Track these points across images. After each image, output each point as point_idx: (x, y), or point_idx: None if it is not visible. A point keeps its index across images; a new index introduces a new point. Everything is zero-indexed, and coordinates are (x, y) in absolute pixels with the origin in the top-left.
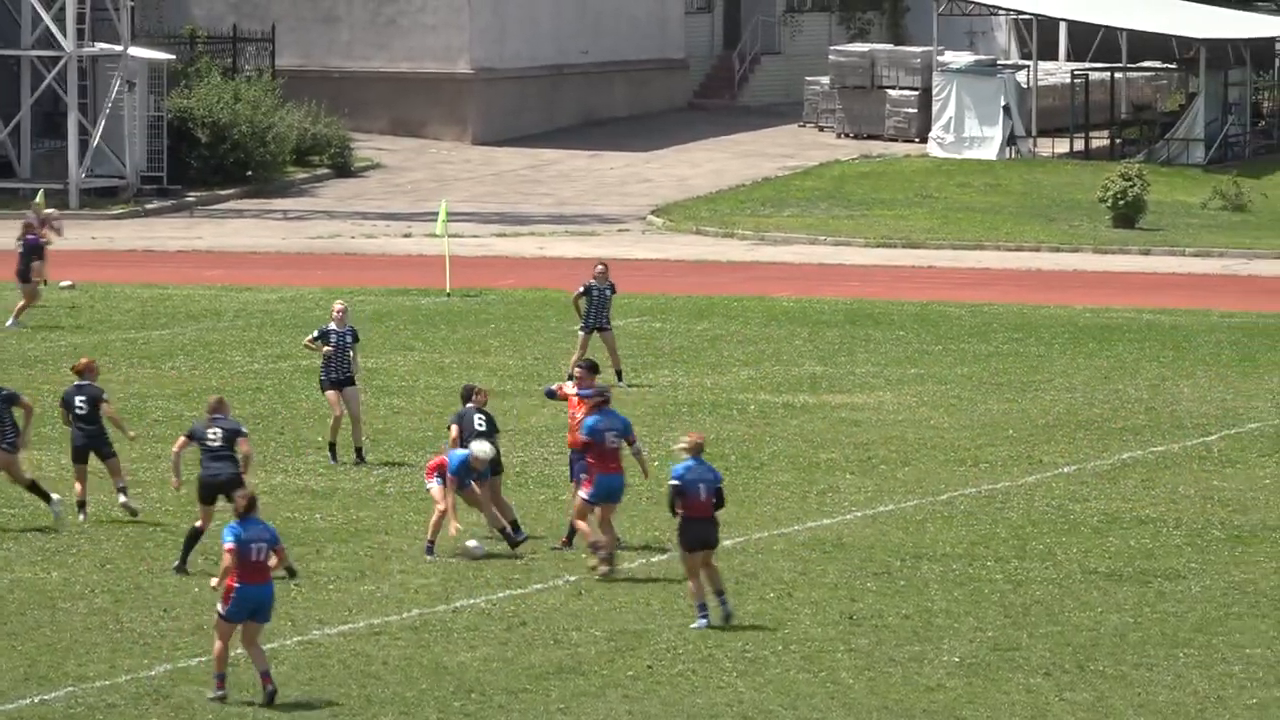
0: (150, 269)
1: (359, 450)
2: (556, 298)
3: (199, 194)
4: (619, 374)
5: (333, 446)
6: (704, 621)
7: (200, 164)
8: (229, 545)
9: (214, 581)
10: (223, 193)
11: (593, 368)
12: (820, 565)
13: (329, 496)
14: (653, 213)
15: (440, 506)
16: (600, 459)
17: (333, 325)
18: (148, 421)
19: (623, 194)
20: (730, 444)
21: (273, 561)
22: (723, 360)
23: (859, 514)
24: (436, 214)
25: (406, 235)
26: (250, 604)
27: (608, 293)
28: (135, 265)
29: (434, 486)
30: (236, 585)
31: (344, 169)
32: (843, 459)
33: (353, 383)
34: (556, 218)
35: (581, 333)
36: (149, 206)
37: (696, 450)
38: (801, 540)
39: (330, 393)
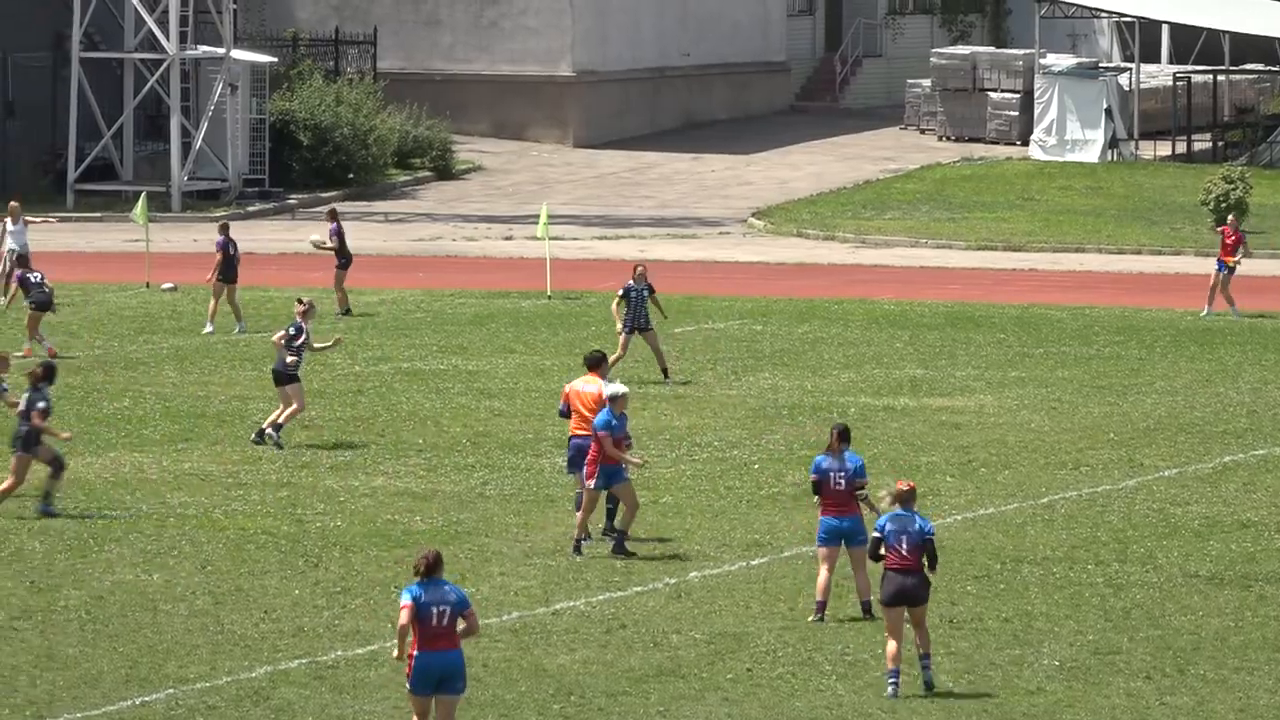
0: (252, 271)
1: (276, 428)
2: (660, 300)
3: (300, 196)
4: (665, 372)
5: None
6: (893, 689)
7: (302, 166)
8: (405, 604)
9: (395, 652)
10: (324, 195)
11: (597, 361)
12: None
13: (429, 499)
14: (754, 215)
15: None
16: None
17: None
18: (250, 423)
19: (724, 196)
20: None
21: (461, 627)
22: (823, 363)
23: (959, 517)
24: (538, 216)
25: (508, 238)
26: (435, 673)
27: (645, 294)
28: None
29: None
30: (416, 653)
31: (445, 171)
32: (943, 462)
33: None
34: (657, 220)
35: (623, 334)
36: (251, 209)
37: (903, 500)
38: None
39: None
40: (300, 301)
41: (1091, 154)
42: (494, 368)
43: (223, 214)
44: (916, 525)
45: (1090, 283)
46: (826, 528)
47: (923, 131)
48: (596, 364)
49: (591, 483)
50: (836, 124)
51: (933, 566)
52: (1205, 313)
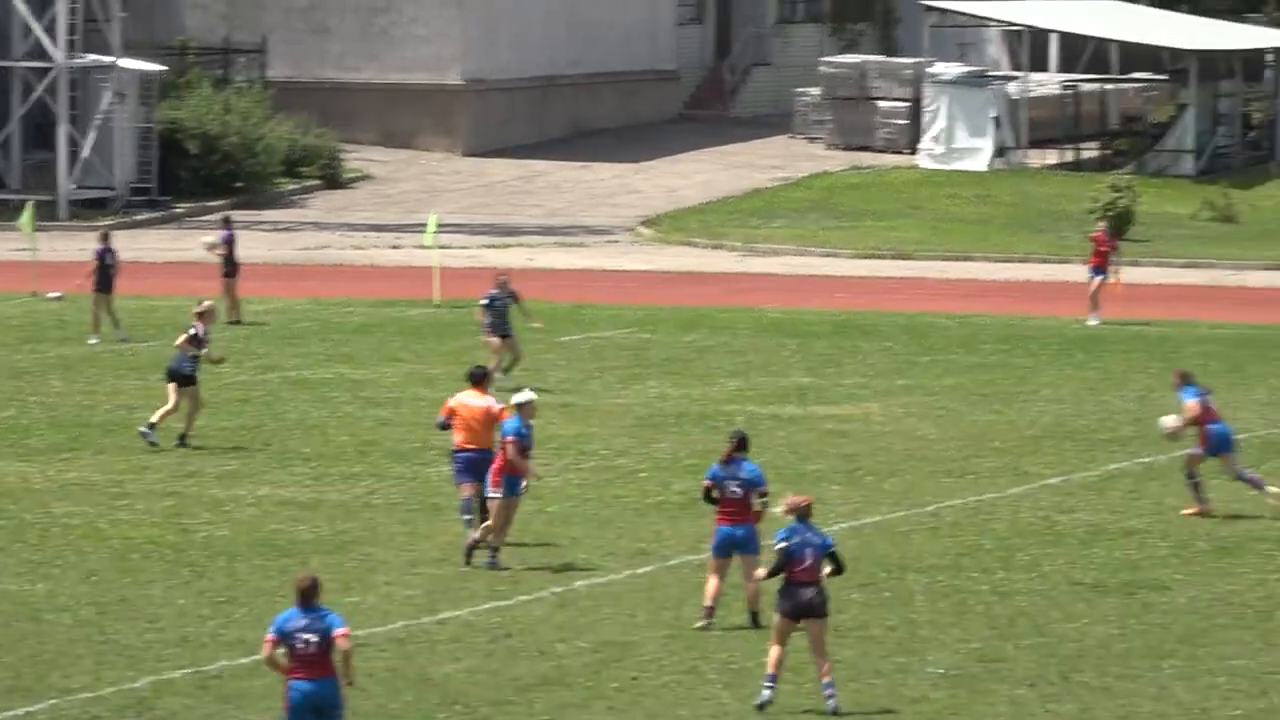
0: (139, 280)
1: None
2: (545, 309)
3: (188, 205)
4: (507, 370)
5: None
6: (768, 694)
7: (190, 175)
8: (269, 637)
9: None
10: (212, 204)
11: (480, 377)
12: None
13: (315, 508)
14: (642, 224)
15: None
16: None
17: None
18: (134, 434)
19: (612, 205)
20: (717, 455)
21: (336, 654)
22: (710, 371)
23: (845, 525)
24: (426, 225)
25: (395, 246)
26: (310, 702)
27: (509, 302)
28: (123, 276)
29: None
30: (290, 682)
31: (334, 180)
32: (829, 470)
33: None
34: (546, 229)
35: (486, 339)
36: (138, 218)
37: (802, 513)
38: None
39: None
40: (199, 304)
41: (979, 162)
42: (381, 376)
43: (109, 223)
44: (819, 538)
45: (977, 291)
46: (721, 536)
47: (811, 140)
48: (480, 380)
49: (498, 492)
50: (726, 132)
51: (840, 571)
52: (1092, 321)
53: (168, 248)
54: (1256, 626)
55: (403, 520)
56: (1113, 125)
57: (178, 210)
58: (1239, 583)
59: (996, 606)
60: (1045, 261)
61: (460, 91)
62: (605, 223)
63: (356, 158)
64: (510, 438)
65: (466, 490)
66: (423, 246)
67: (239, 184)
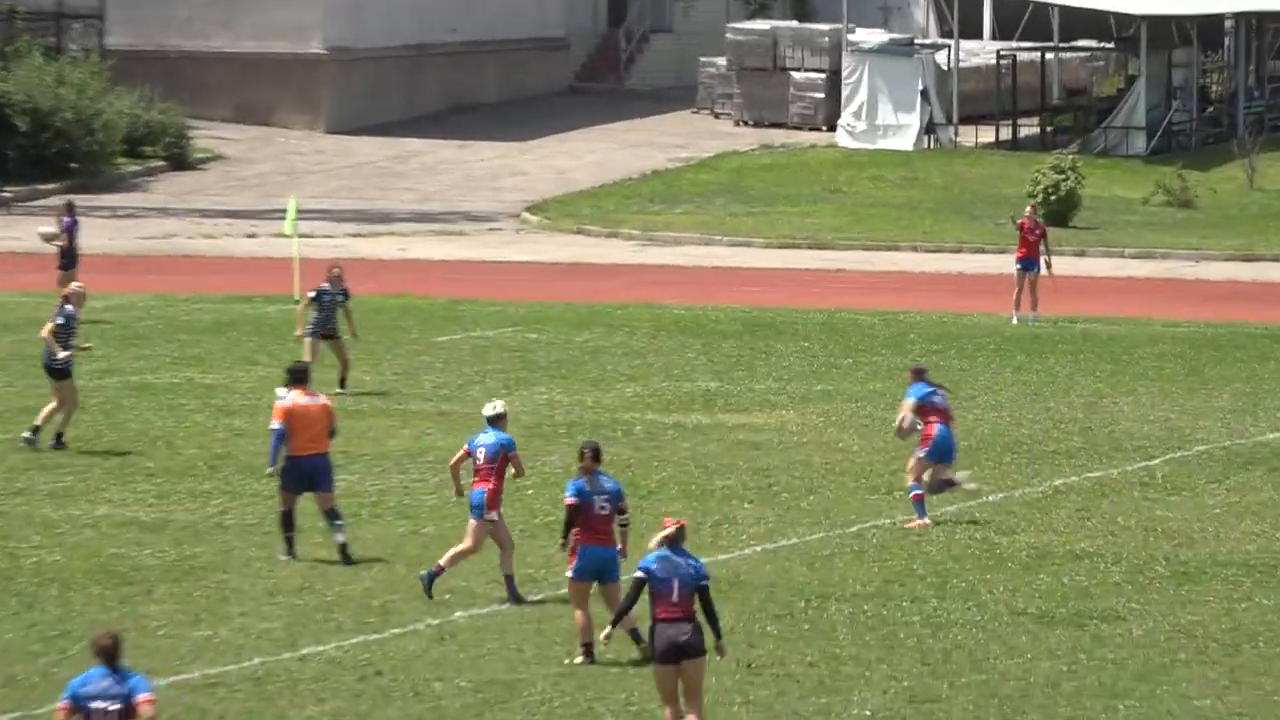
0: None
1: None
2: (420, 305)
3: (16, 189)
4: (342, 382)
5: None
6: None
7: (18, 155)
8: (61, 704)
9: None
10: (44, 187)
11: (302, 373)
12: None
13: (160, 530)
14: (528, 209)
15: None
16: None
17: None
18: None
19: (494, 188)
20: (614, 469)
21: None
22: (605, 375)
23: (758, 548)
24: (285, 211)
25: (250, 235)
26: None
27: (340, 299)
28: None
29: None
30: None
31: (181, 161)
32: (740, 486)
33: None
34: (420, 215)
35: (308, 339)
36: None
37: (672, 540)
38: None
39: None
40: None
41: (906, 141)
42: (235, 381)
43: None
44: (689, 567)
45: (905, 284)
46: (590, 558)
47: (717, 116)
48: (303, 376)
49: (494, 514)
50: (621, 107)
51: (712, 623)
52: (1015, 319)
53: None
54: (1222, 662)
55: (259, 543)
56: (1054, 99)
57: (4, 194)
58: (1201, 612)
59: (929, 640)
60: (980, 251)
61: (323, 61)
62: (486, 208)
63: (206, 136)
64: (513, 453)
65: (291, 503)
66: (281, 235)
67: (74, 165)
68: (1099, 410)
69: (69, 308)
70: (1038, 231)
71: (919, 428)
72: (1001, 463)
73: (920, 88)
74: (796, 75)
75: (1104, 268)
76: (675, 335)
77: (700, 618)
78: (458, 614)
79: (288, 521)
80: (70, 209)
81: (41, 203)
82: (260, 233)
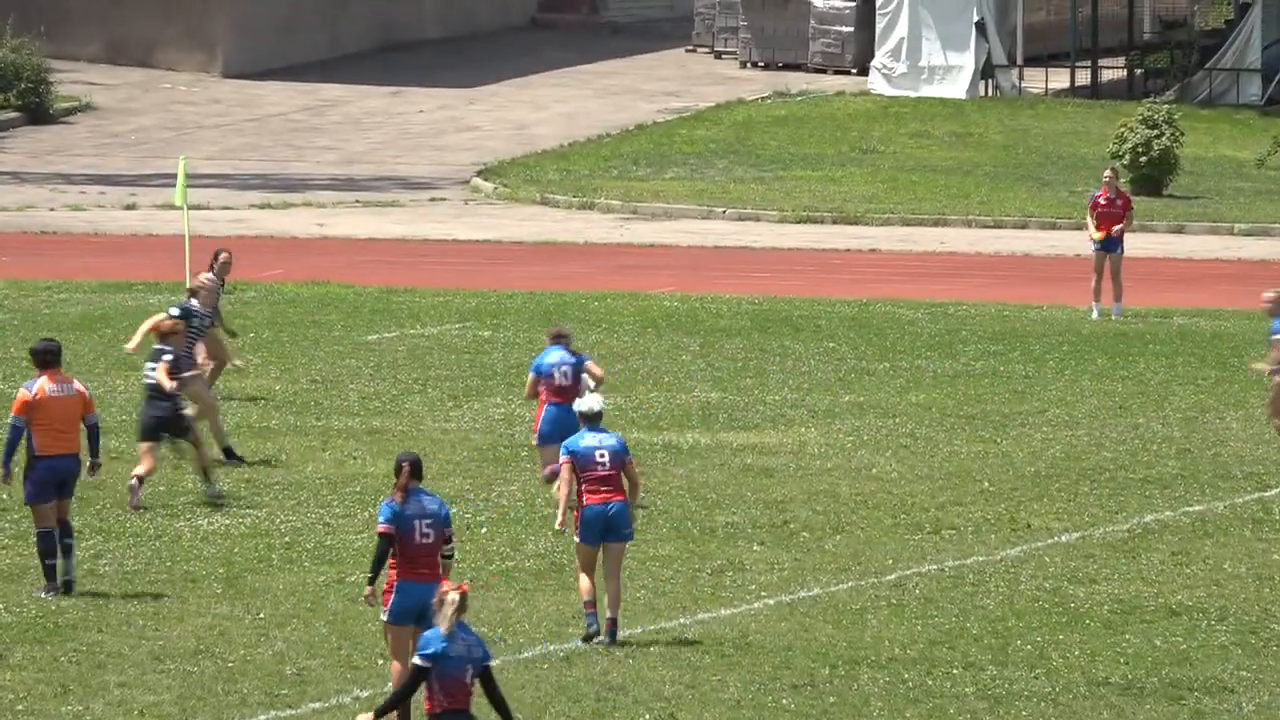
0: None
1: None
2: (344, 296)
3: None
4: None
5: None
6: None
7: None
8: None
9: None
10: None
11: (53, 354)
12: (716, 674)
13: (17, 579)
14: (479, 174)
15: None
16: None
17: None
18: None
19: (436, 148)
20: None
21: None
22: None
23: (771, 601)
24: (173, 177)
25: (129, 207)
26: None
27: (218, 291)
28: None
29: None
30: None
31: (39, 112)
32: (749, 523)
33: None
34: (343, 182)
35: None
36: None
37: (455, 608)
38: (690, 638)
39: None
40: None
41: (957, 87)
42: (110, 392)
43: None
44: (477, 647)
45: (956, 269)
46: (410, 596)
47: (719, 55)
48: (51, 358)
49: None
50: (596, 45)
51: (496, 698)
52: (1096, 312)
53: None
54: None
55: (144, 594)
56: (1145, 34)
57: None
58: None
59: (986, 716)
60: (1051, 227)
61: None
62: (426, 173)
63: (72, 80)
64: (565, 456)
65: (49, 518)
66: (170, 207)
67: None
68: (1200, 428)
69: None
70: (1120, 203)
71: None
72: (1077, 494)
73: (976, 19)
74: (818, 4)
75: (1208, 247)
76: (666, 333)
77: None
78: (390, 685)
79: (48, 545)
80: None
81: None
82: (141, 203)
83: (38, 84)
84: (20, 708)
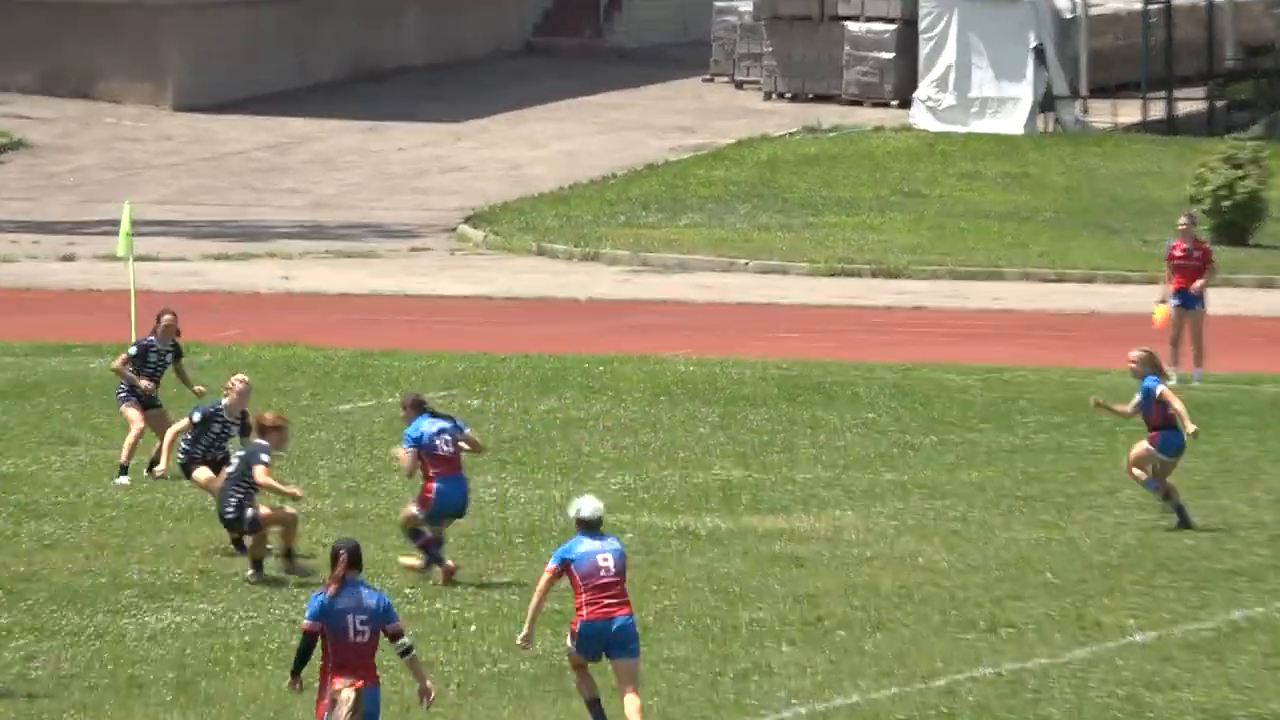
0: None
1: None
2: (312, 359)
3: None
4: (154, 463)
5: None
6: None
7: None
8: None
9: None
10: None
11: None
12: None
13: None
14: (467, 220)
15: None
16: None
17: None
18: None
19: (419, 190)
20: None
21: None
22: (581, 459)
23: (803, 710)
24: (118, 224)
25: (67, 258)
26: None
27: (168, 356)
28: None
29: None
30: None
31: None
32: (777, 619)
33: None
34: (311, 229)
35: (127, 407)
36: None
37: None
38: None
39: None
40: None
41: (1013, 121)
42: (44, 469)
43: None
44: None
45: (1013, 328)
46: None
47: (740, 85)
48: None
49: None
50: (601, 73)
51: None
52: (1174, 378)
53: None
54: None
55: (82, 703)
56: (1227, 61)
57: None
58: None
59: None
60: (1122, 281)
61: (169, 8)
62: (407, 219)
63: (4, 114)
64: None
65: None
66: (113, 258)
67: None
68: None
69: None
70: (1200, 254)
71: None
72: (1153, 586)
73: (1034, 44)
74: (854, 27)
75: None
76: (682, 402)
77: None
78: None
79: None
80: None
81: None
82: (80, 254)
83: None
84: None
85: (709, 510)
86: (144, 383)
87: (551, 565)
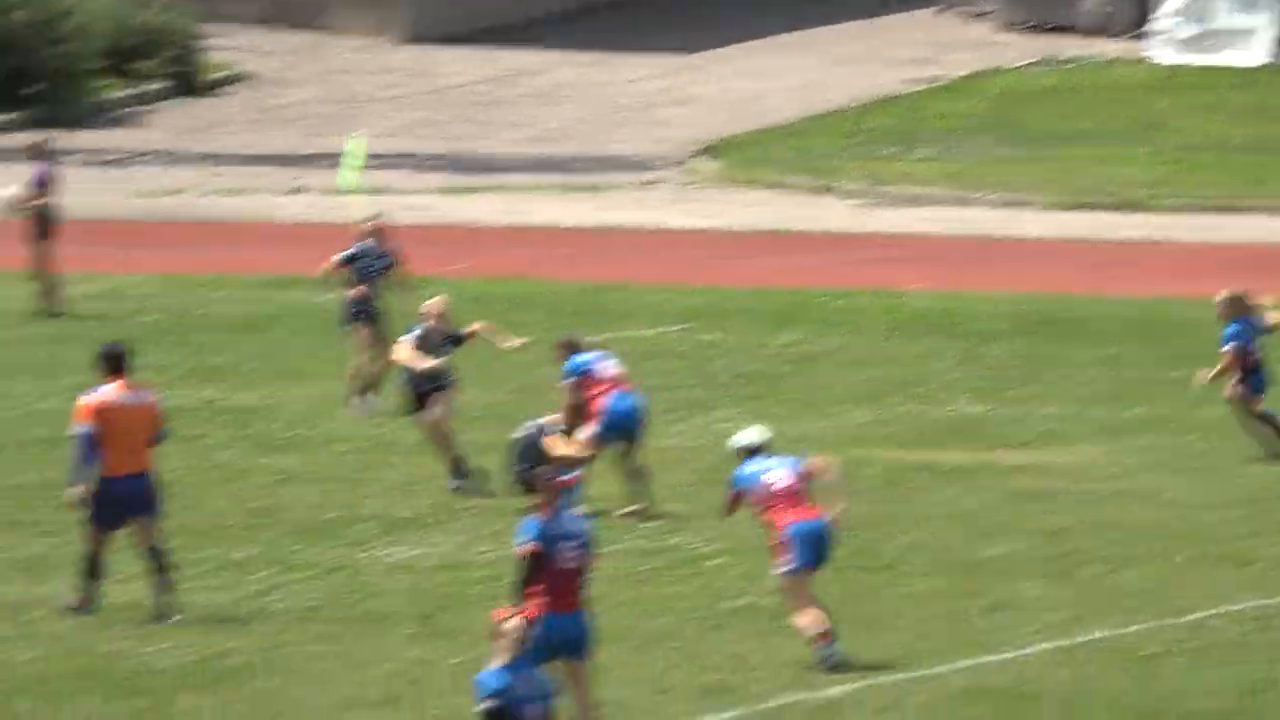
0: None
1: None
2: (542, 294)
3: None
4: (366, 389)
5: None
6: None
7: None
8: None
9: None
10: None
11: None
12: None
13: (204, 620)
14: (699, 153)
15: None
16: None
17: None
18: None
19: (648, 123)
20: (839, 530)
21: None
22: (819, 395)
23: (1049, 645)
24: (342, 157)
25: (294, 191)
26: None
27: (381, 264)
28: None
29: None
30: None
31: (191, 83)
32: (1022, 556)
33: None
34: (539, 163)
35: (356, 327)
36: None
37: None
38: (956, 688)
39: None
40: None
41: (1253, 53)
42: (277, 403)
43: None
44: (547, 685)
45: (1258, 261)
46: (549, 630)
47: (975, 16)
48: (120, 363)
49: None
50: (834, 6)
51: None
52: None
53: None
54: None
55: (323, 635)
56: None
57: None
58: None
59: None
60: None
61: None
62: (637, 152)
63: (227, 46)
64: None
65: (109, 546)
66: (339, 192)
67: (35, 88)
68: None
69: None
70: None
71: None
72: None
73: None
74: None
75: None
76: (920, 337)
77: None
78: None
79: (94, 568)
80: (41, 154)
81: None
82: (308, 187)
83: (188, 51)
84: None
85: (950, 445)
86: (356, 290)
87: (730, 492)
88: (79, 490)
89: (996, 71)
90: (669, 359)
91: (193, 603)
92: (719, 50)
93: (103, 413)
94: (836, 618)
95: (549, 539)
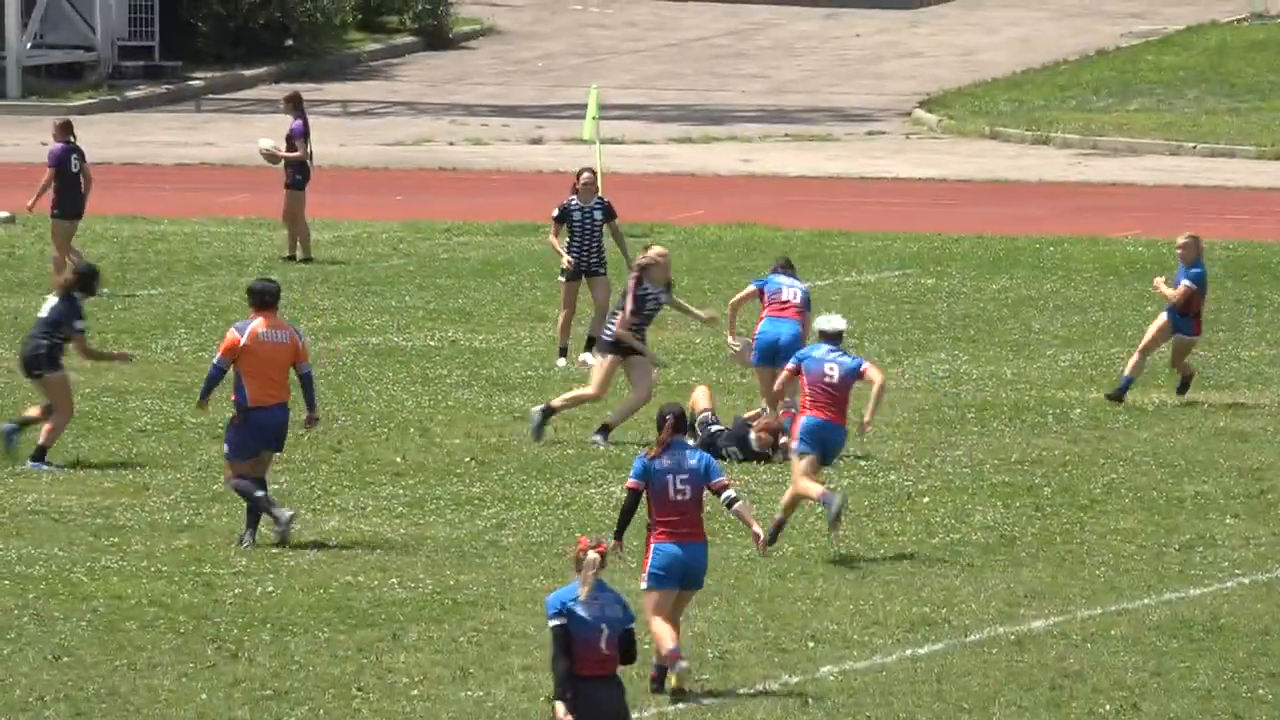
0: (134, 192)
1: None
2: (771, 239)
3: (209, 75)
4: (590, 342)
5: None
6: None
7: (211, 29)
8: None
9: None
10: (247, 73)
11: (272, 295)
12: (1184, 660)
13: (412, 551)
14: (922, 105)
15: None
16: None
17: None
18: (129, 431)
19: (875, 75)
20: (1044, 469)
21: None
22: (1031, 338)
23: (1246, 580)
24: (583, 108)
25: (535, 141)
26: None
27: (597, 215)
28: (110, 187)
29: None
30: None
31: (437, 36)
32: (1221, 492)
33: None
34: (771, 114)
35: (564, 280)
36: (131, 95)
37: (594, 568)
38: (1155, 621)
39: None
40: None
41: None
42: (514, 344)
43: (83, 102)
44: (618, 609)
45: None
46: (666, 559)
47: None
48: (269, 298)
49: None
50: None
51: (630, 660)
52: None
53: (177, 140)
54: None
55: (548, 570)
56: None
57: (194, 83)
58: None
59: None
60: None
61: None
62: (864, 104)
63: (476, 1)
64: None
65: (242, 471)
66: (579, 141)
67: (288, 43)
68: None
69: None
70: None
71: None
72: None
73: None
74: None
75: None
76: (1130, 282)
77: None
78: (824, 669)
79: (252, 487)
80: (296, 104)
81: (247, 93)
82: (549, 137)
83: (436, 5)
84: (415, 692)
85: (1155, 387)
86: (565, 260)
87: (791, 365)
88: (206, 405)
89: (1210, 25)
90: (889, 303)
91: (433, 537)
92: (941, 6)
93: (246, 347)
94: (1038, 554)
95: (654, 474)
